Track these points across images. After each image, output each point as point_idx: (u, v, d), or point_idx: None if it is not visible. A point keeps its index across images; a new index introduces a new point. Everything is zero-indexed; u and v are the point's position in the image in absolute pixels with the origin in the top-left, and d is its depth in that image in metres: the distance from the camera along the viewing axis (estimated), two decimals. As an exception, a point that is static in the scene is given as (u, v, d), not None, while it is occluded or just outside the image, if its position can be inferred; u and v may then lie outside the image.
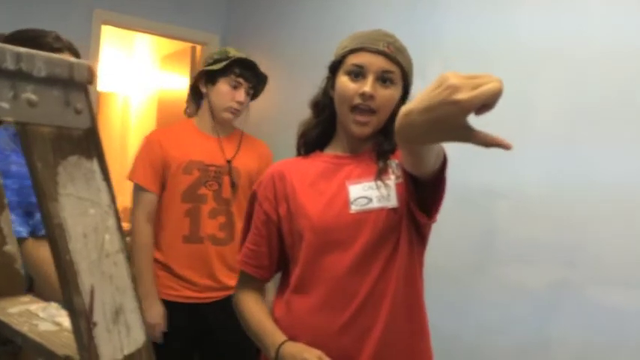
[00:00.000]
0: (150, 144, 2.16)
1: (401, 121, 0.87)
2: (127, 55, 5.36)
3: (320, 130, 1.33)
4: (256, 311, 1.28)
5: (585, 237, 1.77)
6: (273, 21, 3.35)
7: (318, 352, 1.12)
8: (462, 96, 0.75)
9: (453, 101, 0.75)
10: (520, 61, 1.99)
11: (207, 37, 3.84)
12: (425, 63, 2.28)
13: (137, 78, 5.24)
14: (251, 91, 2.15)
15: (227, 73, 2.09)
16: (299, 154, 1.37)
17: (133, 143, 5.28)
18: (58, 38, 1.40)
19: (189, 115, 3.15)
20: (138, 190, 2.13)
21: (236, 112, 2.14)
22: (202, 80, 2.17)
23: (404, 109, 0.87)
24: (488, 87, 0.73)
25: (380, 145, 1.25)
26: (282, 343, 1.18)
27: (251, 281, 1.33)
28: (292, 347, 1.16)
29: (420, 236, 1.24)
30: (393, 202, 1.19)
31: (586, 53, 1.81)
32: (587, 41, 1.81)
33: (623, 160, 1.70)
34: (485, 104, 0.75)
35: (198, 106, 2.27)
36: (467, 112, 0.76)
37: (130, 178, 2.16)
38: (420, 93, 0.84)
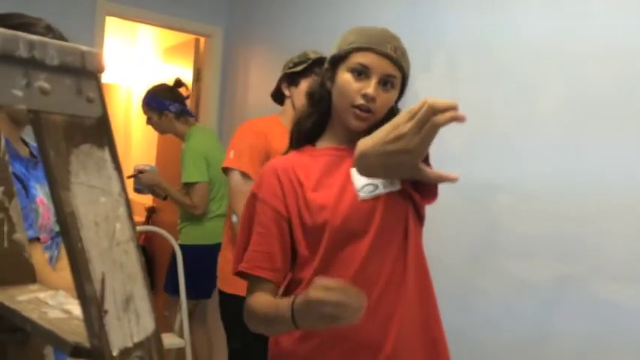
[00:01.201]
0: (256, 134, 2.20)
1: (359, 162, 0.98)
2: (131, 46, 5.35)
3: (314, 120, 1.33)
4: (267, 299, 1.20)
5: (587, 232, 1.77)
6: (276, 14, 3.34)
7: (320, 283, 1.01)
8: (414, 143, 0.87)
9: (406, 150, 0.88)
10: (522, 57, 1.98)
11: (211, 30, 3.83)
12: (429, 58, 2.28)
13: (140, 69, 5.23)
14: None
15: (308, 74, 2.17)
16: (291, 143, 1.37)
17: (136, 135, 5.28)
18: (49, 28, 1.27)
19: (157, 125, 3.17)
20: (244, 179, 2.14)
21: None
22: (285, 83, 2.27)
23: (362, 147, 0.97)
24: (427, 128, 0.85)
25: None
26: (294, 298, 1.09)
27: (264, 286, 1.22)
28: (301, 295, 1.07)
29: (418, 216, 1.27)
30: (397, 185, 1.22)
31: (588, 49, 1.80)
32: (590, 37, 1.80)
33: (624, 157, 1.70)
34: (454, 119, 0.85)
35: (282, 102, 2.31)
36: (419, 158, 0.89)
37: (234, 167, 2.17)
38: (378, 132, 0.95)
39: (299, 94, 2.16)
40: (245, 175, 2.15)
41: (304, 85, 2.15)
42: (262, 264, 1.22)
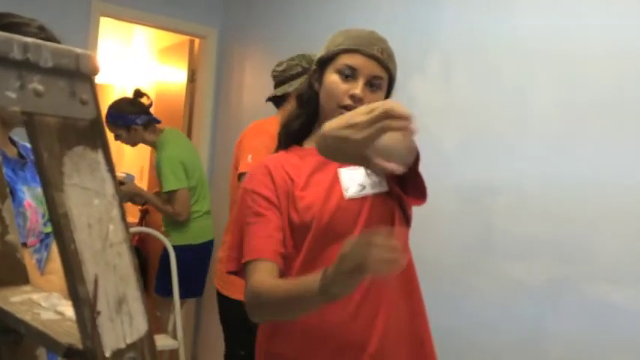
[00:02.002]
0: (271, 136, 2.19)
1: (319, 142, 1.01)
2: (125, 47, 5.34)
3: (302, 122, 1.34)
4: (280, 281, 1.14)
5: (583, 234, 1.78)
6: (271, 14, 3.34)
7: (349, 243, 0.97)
8: (359, 136, 0.92)
9: (350, 139, 0.93)
10: (518, 57, 1.99)
11: (206, 31, 3.83)
12: (424, 57, 2.29)
13: (135, 70, 5.22)
14: None
15: None
16: (279, 144, 1.38)
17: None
18: (42, 28, 1.25)
19: (127, 140, 3.18)
20: None
21: None
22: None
23: (324, 128, 1.01)
24: (377, 127, 0.89)
25: None
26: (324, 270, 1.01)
27: (267, 266, 1.16)
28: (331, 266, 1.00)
29: (405, 217, 1.27)
30: (385, 187, 1.23)
31: (584, 49, 1.81)
32: (586, 37, 1.81)
33: (621, 158, 1.71)
34: (404, 129, 0.88)
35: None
36: (364, 147, 0.93)
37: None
38: (343, 116, 0.99)
39: None
40: None
41: None
42: (264, 247, 1.17)
